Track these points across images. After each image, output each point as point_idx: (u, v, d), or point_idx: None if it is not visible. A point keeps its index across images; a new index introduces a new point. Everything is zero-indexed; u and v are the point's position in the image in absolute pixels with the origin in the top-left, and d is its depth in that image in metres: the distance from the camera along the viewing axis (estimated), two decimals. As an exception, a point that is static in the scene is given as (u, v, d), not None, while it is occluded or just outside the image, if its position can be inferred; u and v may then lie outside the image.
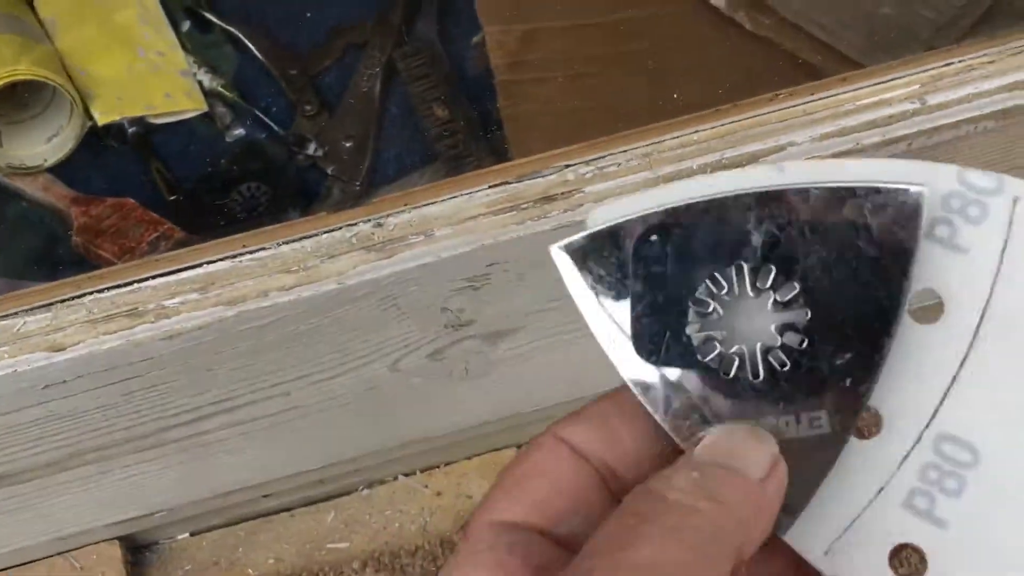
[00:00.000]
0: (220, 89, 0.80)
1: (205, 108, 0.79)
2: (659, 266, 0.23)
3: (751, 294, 0.23)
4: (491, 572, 0.21)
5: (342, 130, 0.78)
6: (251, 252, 0.51)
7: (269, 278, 0.51)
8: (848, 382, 0.22)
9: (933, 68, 0.53)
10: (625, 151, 0.53)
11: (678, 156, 0.52)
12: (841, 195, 0.22)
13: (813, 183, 0.22)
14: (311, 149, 0.77)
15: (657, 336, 0.23)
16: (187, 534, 0.68)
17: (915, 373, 0.22)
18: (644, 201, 0.24)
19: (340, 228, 0.52)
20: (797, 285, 0.22)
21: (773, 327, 0.23)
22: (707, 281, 0.23)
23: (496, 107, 0.76)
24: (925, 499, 0.22)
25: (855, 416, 0.23)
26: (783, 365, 0.23)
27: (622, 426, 0.24)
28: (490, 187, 0.52)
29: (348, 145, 0.77)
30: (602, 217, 0.24)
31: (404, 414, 0.63)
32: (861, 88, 0.53)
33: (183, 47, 0.81)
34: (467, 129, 0.76)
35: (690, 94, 0.73)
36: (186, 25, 0.84)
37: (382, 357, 0.57)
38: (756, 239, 0.23)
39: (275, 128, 0.79)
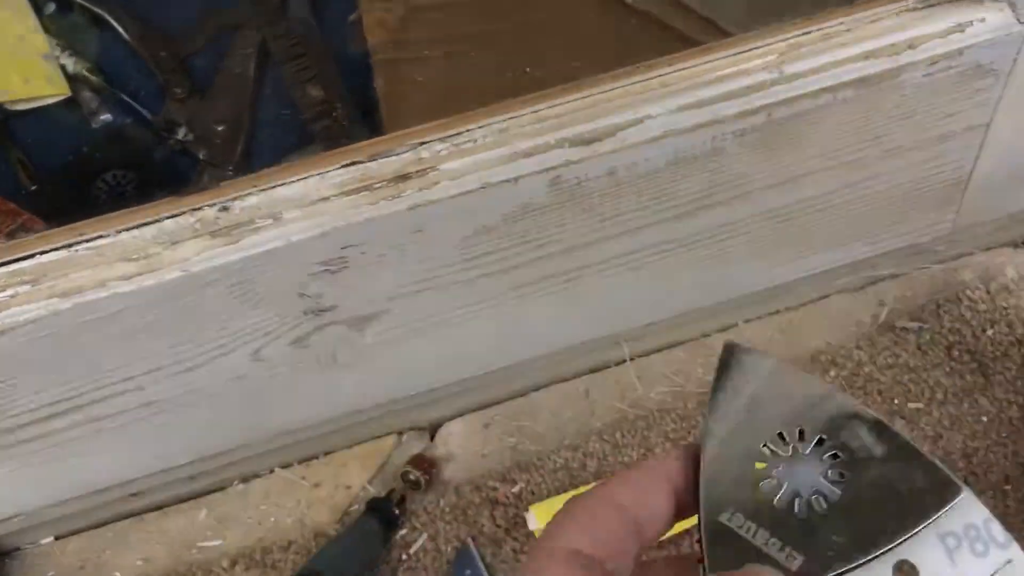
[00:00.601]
0: (85, 73, 0.77)
1: (68, 93, 0.76)
2: (780, 400, 0.30)
3: (814, 459, 0.29)
4: None
5: (214, 113, 0.75)
6: (88, 241, 0.49)
7: (108, 268, 0.48)
8: (831, 554, 0.28)
9: (791, 37, 0.52)
10: (482, 127, 0.51)
11: (536, 131, 0.51)
12: (915, 454, 0.29)
13: (905, 435, 0.29)
14: (181, 134, 0.74)
15: (740, 445, 0.30)
16: (51, 538, 0.65)
17: None
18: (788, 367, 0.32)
19: (183, 213, 0.49)
20: (845, 475, 0.29)
21: (812, 487, 0.29)
22: (798, 429, 0.30)
23: (374, 87, 0.74)
24: None
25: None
26: (802, 511, 0.28)
27: (649, 491, 0.29)
28: (342, 167, 0.50)
29: (220, 129, 0.74)
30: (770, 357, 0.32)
31: (274, 404, 0.61)
32: (719, 59, 0.52)
33: (45, 30, 0.78)
34: (344, 110, 0.74)
35: (572, 70, 0.72)
36: (50, 8, 0.80)
37: (242, 346, 0.55)
38: (844, 434, 0.30)
39: (144, 113, 0.76)
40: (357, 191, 0.50)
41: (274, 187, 0.50)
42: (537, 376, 0.69)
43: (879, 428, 0.29)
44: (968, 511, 0.28)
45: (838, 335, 0.68)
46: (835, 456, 0.29)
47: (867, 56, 0.51)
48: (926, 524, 0.28)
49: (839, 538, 0.28)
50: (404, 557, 0.62)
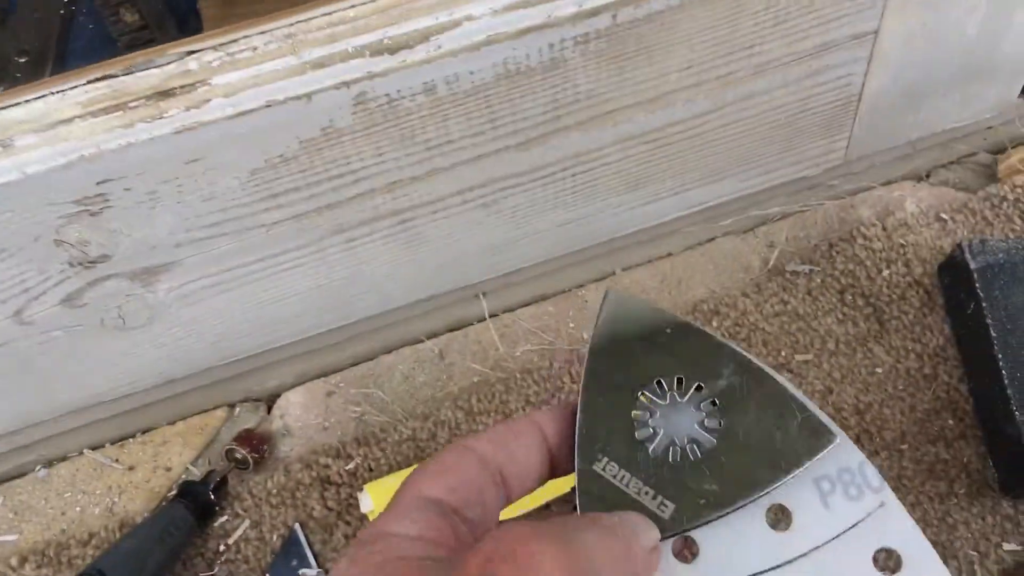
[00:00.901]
0: None
1: None
2: (658, 348, 0.30)
3: (692, 408, 0.28)
4: (425, 529, 0.25)
5: (16, 43, 0.65)
6: None
7: None
8: (702, 503, 0.27)
9: (638, -77, 0.44)
10: (263, 32, 0.42)
11: (329, 36, 0.42)
12: (792, 401, 0.28)
13: (784, 383, 0.29)
14: (-24, 67, 0.64)
15: (617, 393, 0.29)
16: None
17: (739, 546, 0.27)
18: (679, 316, 0.30)
19: None
20: (720, 424, 0.28)
21: (687, 435, 0.28)
22: (676, 378, 0.29)
23: (197, 9, 0.64)
24: None
25: (686, 525, 0.27)
26: (676, 459, 0.28)
27: (516, 446, 0.28)
28: (89, 83, 0.41)
29: (23, 61, 0.65)
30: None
31: (58, 375, 0.52)
32: (553, -51, 0.43)
33: None
34: (164, 37, 0.65)
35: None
36: None
37: (-3, 307, 0.46)
38: (722, 382, 0.29)
39: (-66, 44, 0.66)
40: (107, 111, 0.41)
41: (3, 108, 0.41)
42: (387, 337, 0.61)
43: (758, 376, 0.29)
44: (842, 455, 0.28)
45: (724, 281, 0.60)
46: (713, 403, 0.29)
47: (726, -57, 0.43)
48: (800, 470, 0.28)
49: (711, 486, 0.28)
50: (223, 548, 0.54)
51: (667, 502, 0.27)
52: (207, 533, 0.54)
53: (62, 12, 0.66)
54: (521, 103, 0.47)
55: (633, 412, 0.28)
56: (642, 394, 0.29)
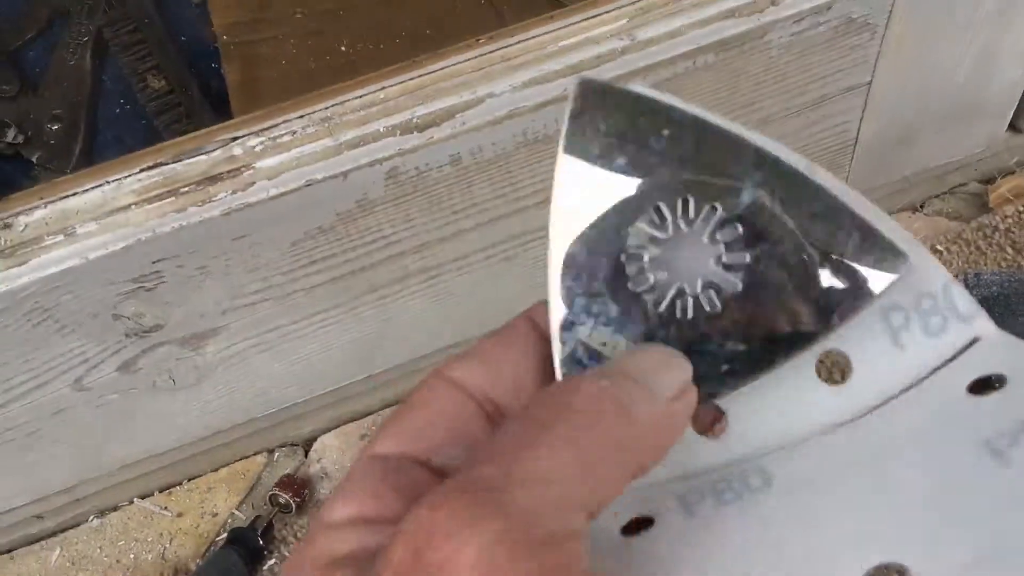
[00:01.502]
0: (-98, 73, 0.69)
1: None
2: (653, 157, 0.22)
3: (705, 239, 0.21)
4: (363, 502, 0.21)
5: (48, 111, 0.68)
6: None
7: None
8: (725, 368, 0.21)
9: (640, 0, 0.47)
10: (301, 116, 0.45)
11: (362, 118, 0.45)
12: (843, 213, 0.21)
13: (830, 186, 0.21)
14: (11, 135, 0.67)
15: (613, 219, 0.22)
16: None
17: (781, 411, 0.21)
18: (676, 101, 0.22)
19: (-42, 234, 0.43)
20: (748, 257, 0.21)
21: (701, 279, 0.21)
22: (681, 200, 0.21)
23: (221, 72, 0.67)
24: (696, 496, 0.21)
25: (710, 394, 0.21)
26: (686, 314, 0.21)
27: (504, 360, 0.23)
28: (142, 171, 0.44)
29: (55, 128, 0.68)
30: (638, 87, 0.22)
31: (114, 434, 0.55)
32: (565, 27, 0.47)
33: None
34: (190, 101, 0.68)
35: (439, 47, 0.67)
36: None
37: (58, 377, 0.49)
38: (745, 196, 0.21)
39: (-31, 115, 0.69)
40: (161, 197, 0.44)
41: (64, 197, 0.44)
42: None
43: (797, 182, 0.21)
44: (920, 277, 0.21)
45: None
46: (735, 228, 0.21)
47: (726, 16, 0.47)
48: (861, 314, 0.21)
49: (738, 345, 0.21)
50: (271, 590, 0.57)
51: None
52: (256, 576, 0.57)
53: (90, 79, 0.69)
54: (539, 167, 0.50)
55: (624, 255, 0.21)
56: (636, 227, 0.21)
